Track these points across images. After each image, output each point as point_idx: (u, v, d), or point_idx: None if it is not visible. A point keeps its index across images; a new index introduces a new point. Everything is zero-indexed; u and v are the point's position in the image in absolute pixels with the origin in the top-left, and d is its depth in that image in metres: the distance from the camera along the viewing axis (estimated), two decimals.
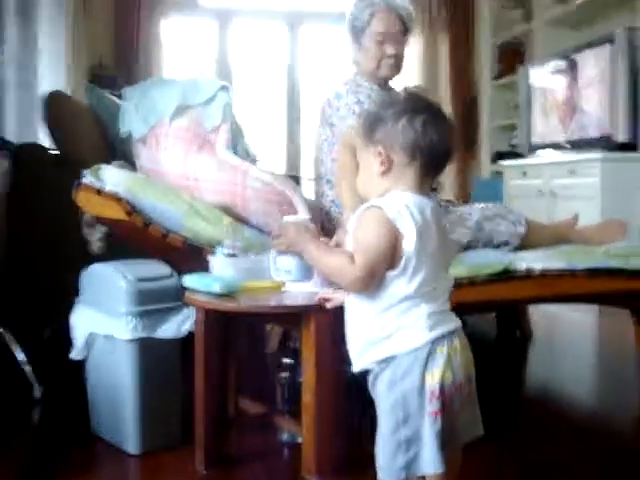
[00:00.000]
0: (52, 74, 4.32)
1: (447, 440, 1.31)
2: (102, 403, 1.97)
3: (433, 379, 1.28)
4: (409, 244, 1.26)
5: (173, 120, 2.18)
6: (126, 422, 1.88)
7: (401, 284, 1.28)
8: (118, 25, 5.58)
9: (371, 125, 1.38)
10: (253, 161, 2.27)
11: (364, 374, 1.37)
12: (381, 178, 1.36)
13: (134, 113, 2.28)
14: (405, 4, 2.43)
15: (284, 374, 2.00)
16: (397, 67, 2.44)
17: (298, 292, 1.78)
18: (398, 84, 2.59)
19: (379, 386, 1.34)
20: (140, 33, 5.58)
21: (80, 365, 2.02)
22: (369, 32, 2.38)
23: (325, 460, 1.73)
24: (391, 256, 1.27)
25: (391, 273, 1.28)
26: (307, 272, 1.74)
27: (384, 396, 1.32)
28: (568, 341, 3.44)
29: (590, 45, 4.65)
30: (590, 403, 2.56)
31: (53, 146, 2.81)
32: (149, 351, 1.87)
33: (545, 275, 2.27)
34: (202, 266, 1.94)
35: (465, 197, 5.77)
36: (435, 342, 1.29)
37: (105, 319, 1.88)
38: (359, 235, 1.30)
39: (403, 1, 2.43)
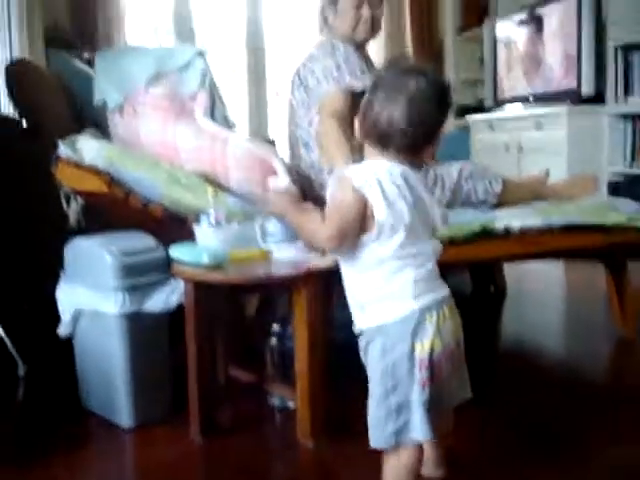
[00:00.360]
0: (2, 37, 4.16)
1: (436, 406, 1.35)
2: (92, 378, 1.96)
3: (423, 348, 1.30)
4: (379, 212, 1.28)
5: (149, 87, 2.14)
6: (118, 396, 1.88)
7: (375, 247, 1.31)
8: None
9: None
10: (232, 128, 2.24)
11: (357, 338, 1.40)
12: (360, 145, 1.39)
13: (107, 81, 2.23)
14: None
15: (273, 341, 2.01)
16: (373, 30, 2.43)
17: (285, 259, 1.78)
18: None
19: (370, 353, 1.36)
20: None
21: (62, 340, 1.99)
22: None
23: (319, 424, 1.76)
24: (360, 221, 1.30)
25: (365, 237, 1.31)
26: (292, 235, 1.74)
27: (375, 364, 1.35)
28: (540, 294, 3.51)
29: None
30: (564, 353, 2.62)
31: (19, 117, 2.74)
32: (138, 324, 1.86)
33: (524, 233, 2.30)
34: (185, 236, 1.93)
35: None
36: (424, 311, 1.31)
37: (92, 294, 1.86)
38: (330, 200, 1.34)
39: None
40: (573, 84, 4.48)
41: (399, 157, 1.33)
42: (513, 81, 5.21)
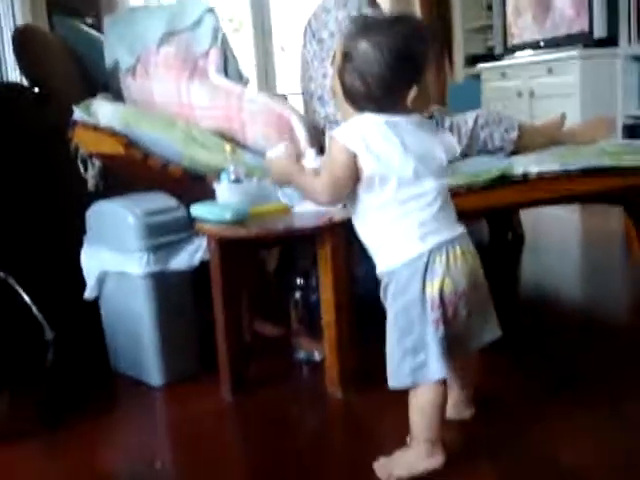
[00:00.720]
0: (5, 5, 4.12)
1: (454, 347, 1.38)
2: (121, 339, 1.98)
3: (433, 289, 1.33)
4: (365, 164, 1.33)
5: (161, 47, 2.13)
6: (147, 355, 1.90)
7: (369, 197, 1.37)
8: None
9: None
10: (246, 84, 2.22)
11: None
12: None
13: (118, 43, 2.21)
14: None
15: (297, 294, 2.02)
16: None
17: (306, 212, 1.79)
18: None
19: (387, 297, 1.40)
20: None
21: (88, 304, 2.02)
22: None
23: (347, 374, 1.78)
24: (352, 174, 1.35)
25: (359, 188, 1.37)
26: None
27: (390, 307, 1.39)
28: (557, 239, 3.51)
29: None
30: (584, 296, 2.63)
31: (29, 84, 2.73)
32: (163, 284, 1.87)
33: (542, 178, 2.29)
34: (204, 195, 1.93)
35: (442, 103, 5.72)
36: (433, 251, 1.33)
37: (116, 256, 1.88)
38: (325, 157, 1.46)
39: None
40: (585, 26, 4.41)
41: (382, 111, 1.36)
42: (523, 27, 5.14)
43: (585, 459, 1.43)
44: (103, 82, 2.63)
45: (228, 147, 1.95)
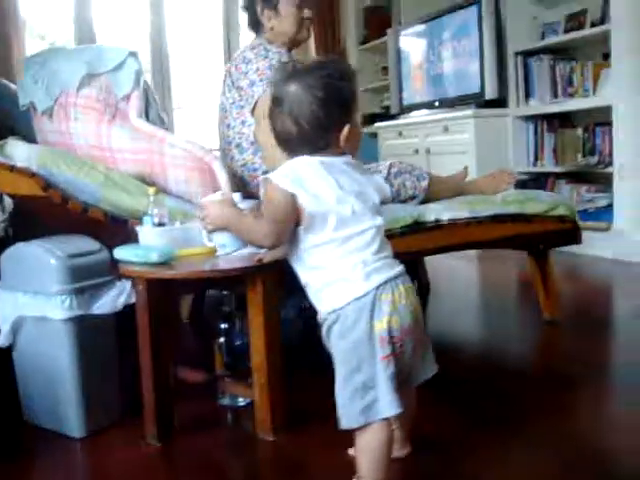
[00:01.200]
0: None
1: (402, 382, 1.39)
2: (36, 389, 1.88)
3: (382, 325, 1.34)
4: (304, 204, 1.35)
5: (81, 90, 2.09)
6: (67, 405, 1.81)
7: (312, 237, 1.38)
8: None
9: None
10: (166, 128, 2.21)
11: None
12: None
13: (34, 85, 2.16)
14: None
15: (221, 339, 1.99)
16: (309, 30, 2.48)
17: (234, 255, 1.78)
18: None
19: (332, 337, 1.39)
20: None
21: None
22: None
23: (279, 418, 1.76)
24: (292, 216, 1.36)
25: (300, 229, 1.38)
26: (242, 241, 1.74)
27: (336, 346, 1.38)
28: (460, 287, 3.64)
29: (456, 8, 4.85)
30: (492, 340, 2.72)
31: None
32: (85, 329, 1.80)
33: (453, 224, 2.40)
34: (126, 238, 1.90)
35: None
36: (379, 289, 1.35)
37: (35, 300, 1.79)
38: (263, 202, 1.42)
39: None
40: (477, 89, 4.67)
41: (316, 152, 1.40)
42: (418, 88, 5.38)
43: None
44: (8, 125, 2.56)
45: (151, 190, 1.93)
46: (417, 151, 4.98)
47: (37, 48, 5.21)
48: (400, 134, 5.23)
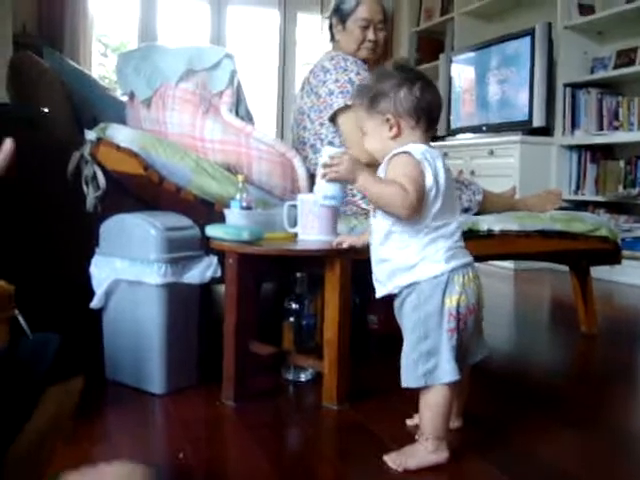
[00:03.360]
0: None
1: (462, 356, 1.59)
2: (122, 348, 2.07)
3: (451, 302, 1.54)
4: (430, 183, 1.53)
5: (179, 83, 2.30)
6: (151, 363, 2.00)
7: (419, 216, 1.54)
8: None
9: (374, 98, 1.63)
10: (253, 124, 2.41)
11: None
12: (393, 141, 1.62)
13: (135, 76, 2.37)
14: None
15: (291, 318, 2.18)
16: (374, 51, 2.68)
17: (313, 240, 1.98)
18: None
19: (406, 308, 1.59)
20: (66, 4, 5.52)
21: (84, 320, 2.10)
22: (354, 17, 2.61)
23: (344, 389, 1.94)
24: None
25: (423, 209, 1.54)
26: (344, 198, 1.89)
27: (409, 316, 1.58)
28: (499, 303, 3.79)
29: (510, 37, 5.04)
30: (530, 349, 2.88)
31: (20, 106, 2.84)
32: (176, 295, 2.00)
33: (505, 235, 2.57)
34: (211, 220, 2.09)
35: None
36: (452, 271, 1.56)
37: (132, 266, 1.99)
38: (400, 171, 1.53)
39: None
40: (525, 116, 4.85)
41: (422, 138, 1.60)
42: (467, 112, 5.57)
43: (562, 455, 1.66)
44: (92, 113, 2.78)
45: (240, 177, 2.13)
46: (462, 172, 5.15)
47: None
48: (446, 155, 5.41)
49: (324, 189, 1.79)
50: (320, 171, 1.72)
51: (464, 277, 1.57)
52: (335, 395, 1.93)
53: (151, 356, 2.01)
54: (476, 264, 1.63)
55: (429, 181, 1.53)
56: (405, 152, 1.54)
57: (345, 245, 1.87)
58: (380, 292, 1.65)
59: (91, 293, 2.09)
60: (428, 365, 1.54)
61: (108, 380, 2.11)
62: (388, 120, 1.61)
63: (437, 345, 1.54)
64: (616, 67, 4.59)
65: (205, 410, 1.95)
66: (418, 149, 1.55)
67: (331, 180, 1.69)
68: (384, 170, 1.59)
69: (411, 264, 1.56)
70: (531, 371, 2.45)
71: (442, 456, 1.57)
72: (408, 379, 1.57)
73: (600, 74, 4.69)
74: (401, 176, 1.51)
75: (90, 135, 2.19)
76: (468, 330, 1.58)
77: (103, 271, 2.07)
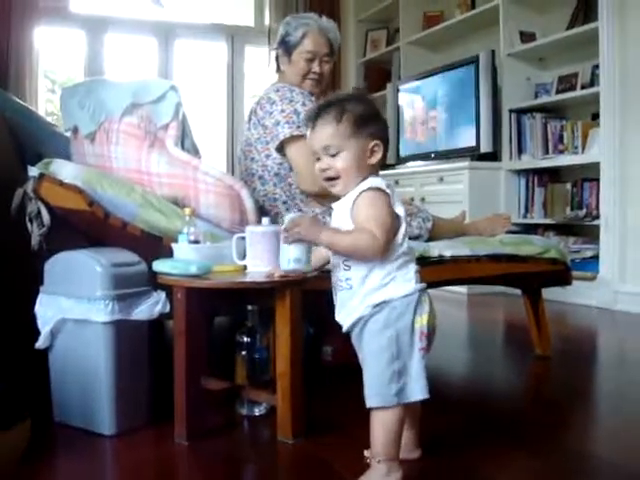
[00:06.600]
0: None
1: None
2: (70, 388, 2.00)
3: (422, 321, 1.57)
4: (400, 212, 1.56)
5: (124, 117, 2.27)
6: (100, 403, 1.94)
7: (397, 246, 1.57)
8: None
9: (362, 118, 1.58)
10: (199, 157, 2.39)
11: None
12: (368, 167, 1.59)
13: (79, 110, 2.34)
14: (334, 29, 2.71)
15: (243, 352, 2.14)
16: (319, 82, 2.70)
17: (262, 271, 1.96)
18: None
19: (371, 327, 1.57)
20: (11, 40, 5.45)
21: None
22: (300, 50, 2.64)
23: (298, 423, 1.91)
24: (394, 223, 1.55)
25: (394, 239, 1.56)
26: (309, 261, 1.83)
27: (377, 336, 1.56)
28: (453, 327, 3.81)
29: (455, 65, 5.14)
30: (483, 373, 2.89)
31: None
32: (123, 333, 1.95)
33: (455, 260, 2.59)
34: (158, 254, 2.06)
35: None
36: (421, 292, 1.58)
37: (78, 304, 1.94)
38: (369, 213, 1.52)
39: (332, 27, 2.70)
40: (472, 142, 4.93)
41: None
42: (415, 140, 5.63)
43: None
44: (37, 149, 2.73)
45: (188, 210, 2.10)
46: (412, 199, 5.20)
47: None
48: (397, 182, 5.45)
49: (288, 253, 1.77)
50: (282, 236, 1.70)
51: (428, 297, 1.60)
52: (290, 429, 1.89)
53: (99, 396, 1.95)
54: (429, 290, 1.63)
55: (400, 210, 1.56)
56: (373, 188, 1.53)
57: (276, 276, 1.83)
58: (347, 323, 1.62)
59: (37, 333, 2.04)
60: (400, 384, 1.54)
61: (56, 422, 2.04)
62: (377, 145, 1.57)
63: (407, 364, 1.55)
64: (558, 92, 4.71)
65: (157, 450, 1.89)
66: (382, 182, 1.56)
67: (294, 242, 1.68)
68: (349, 208, 1.56)
69: (383, 283, 1.56)
70: (488, 395, 2.45)
71: (396, 477, 1.55)
72: (380, 399, 1.54)
73: (543, 99, 4.80)
74: (370, 220, 1.50)
75: (33, 171, 2.14)
76: (429, 349, 1.60)
77: (49, 310, 2.01)
